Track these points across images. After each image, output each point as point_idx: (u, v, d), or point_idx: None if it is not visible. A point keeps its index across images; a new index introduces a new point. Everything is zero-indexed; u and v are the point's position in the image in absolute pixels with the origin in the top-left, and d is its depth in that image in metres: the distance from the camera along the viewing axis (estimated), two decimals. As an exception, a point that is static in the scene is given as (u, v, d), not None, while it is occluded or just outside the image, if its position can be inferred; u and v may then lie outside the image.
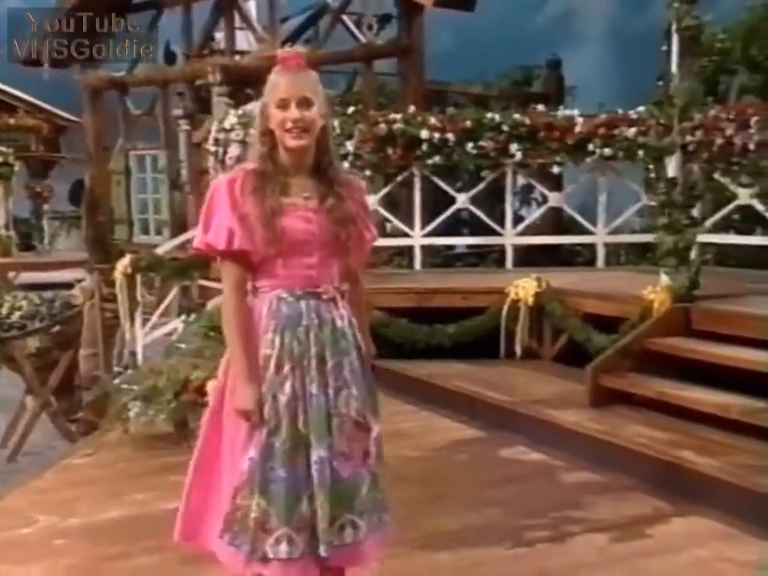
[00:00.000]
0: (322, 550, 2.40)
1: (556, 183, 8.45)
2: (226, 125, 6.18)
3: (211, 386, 4.75)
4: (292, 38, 10.70)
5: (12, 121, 19.76)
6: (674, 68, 5.34)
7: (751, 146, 6.67)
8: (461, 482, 4.35)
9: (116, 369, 7.65)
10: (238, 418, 2.47)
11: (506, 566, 3.42)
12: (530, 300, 6.21)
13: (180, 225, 12.19)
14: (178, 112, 11.90)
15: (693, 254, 5.59)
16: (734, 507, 3.80)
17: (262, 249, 2.42)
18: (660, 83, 5.50)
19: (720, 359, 4.74)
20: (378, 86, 9.47)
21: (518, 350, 6.30)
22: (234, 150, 6.11)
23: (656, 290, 5.36)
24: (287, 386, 2.45)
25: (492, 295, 6.41)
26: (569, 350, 6.12)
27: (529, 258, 8.02)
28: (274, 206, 2.42)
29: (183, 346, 5.78)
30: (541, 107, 7.89)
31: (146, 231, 13.06)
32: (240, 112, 6.30)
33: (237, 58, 11.56)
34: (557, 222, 9.19)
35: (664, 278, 5.42)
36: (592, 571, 3.39)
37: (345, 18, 10.05)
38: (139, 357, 7.60)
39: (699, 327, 5.20)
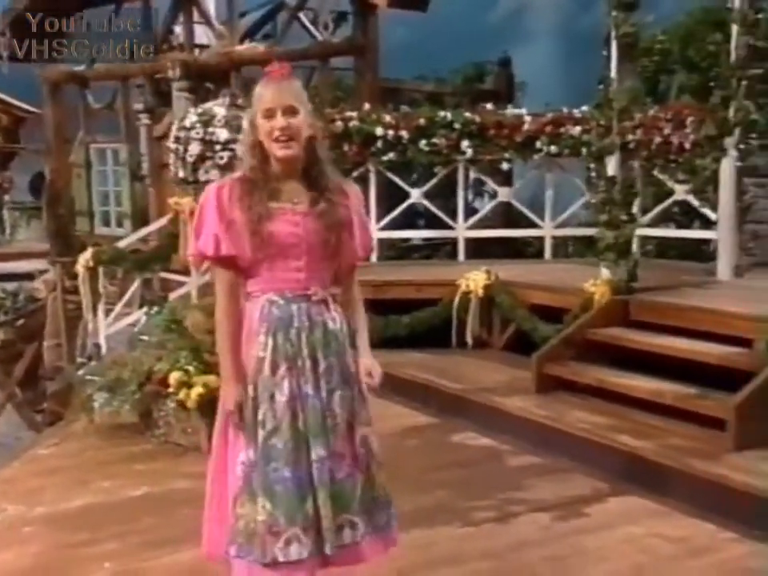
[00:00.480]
0: (328, 549, 2.37)
1: (506, 178, 8.57)
2: (187, 123, 6.19)
3: (174, 377, 4.86)
4: (250, 34, 10.67)
5: (-31, 112, 19.48)
6: (613, 72, 5.49)
7: (687, 145, 6.86)
8: (413, 466, 4.44)
9: (79, 360, 7.65)
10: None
11: (455, 545, 3.54)
12: (480, 292, 6.36)
13: (141, 217, 12.12)
14: (139, 106, 11.77)
15: (633, 248, 5.79)
16: (667, 487, 3.98)
17: (250, 253, 2.41)
18: (600, 86, 5.65)
19: (655, 348, 4.92)
20: (333, 82, 9.51)
21: (469, 339, 6.44)
22: (194, 148, 6.11)
23: (597, 282, 5.54)
24: (285, 386, 2.42)
25: (444, 287, 6.55)
26: (517, 339, 6.27)
27: (482, 249, 8.15)
28: (261, 211, 2.41)
29: (146, 337, 5.80)
30: (489, 106, 8.01)
31: (107, 223, 12.91)
32: (200, 110, 6.30)
33: (196, 52, 11.53)
34: (507, 215, 9.34)
35: (604, 272, 5.60)
36: (535, 548, 3.51)
37: (301, 15, 10.07)
38: (103, 348, 7.61)
39: (637, 318, 5.38)
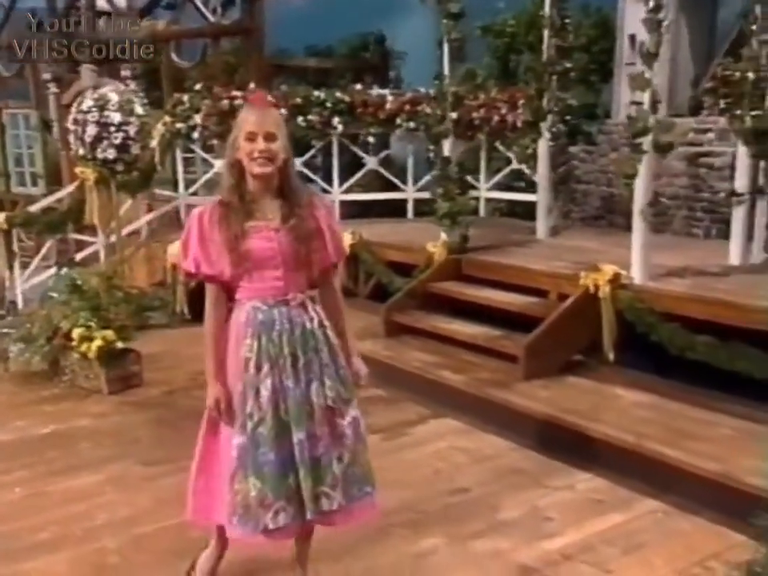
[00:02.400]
0: (308, 515, 2.55)
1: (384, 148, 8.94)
2: (84, 107, 6.36)
3: (76, 333, 5.21)
4: (148, 9, 10.69)
5: None
6: (446, 70, 5.97)
7: (519, 124, 7.46)
8: None
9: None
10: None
11: None
12: (347, 249, 6.86)
13: (54, 177, 12.12)
14: (47, 76, 11.69)
15: (481, 210, 6.30)
16: (471, 410, 4.61)
17: (229, 269, 2.52)
18: (436, 82, 6.12)
19: (476, 298, 5.56)
20: (224, 60, 9.72)
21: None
22: (91, 130, 6.31)
23: (437, 244, 6.11)
24: (268, 383, 2.53)
25: None
26: (378, 290, 6.81)
27: (370, 209, 8.52)
28: (237, 232, 2.49)
29: (56, 295, 6.06)
30: (359, 86, 8.39)
31: (22, 183, 12.86)
32: (96, 95, 6.48)
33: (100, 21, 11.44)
34: (385, 179, 9.73)
35: (443, 235, 6.17)
36: None
37: (195, -1, 10.18)
38: (19, 303, 7.80)
39: (468, 273, 5.98)
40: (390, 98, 8.10)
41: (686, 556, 3.09)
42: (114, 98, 6.47)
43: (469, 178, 8.28)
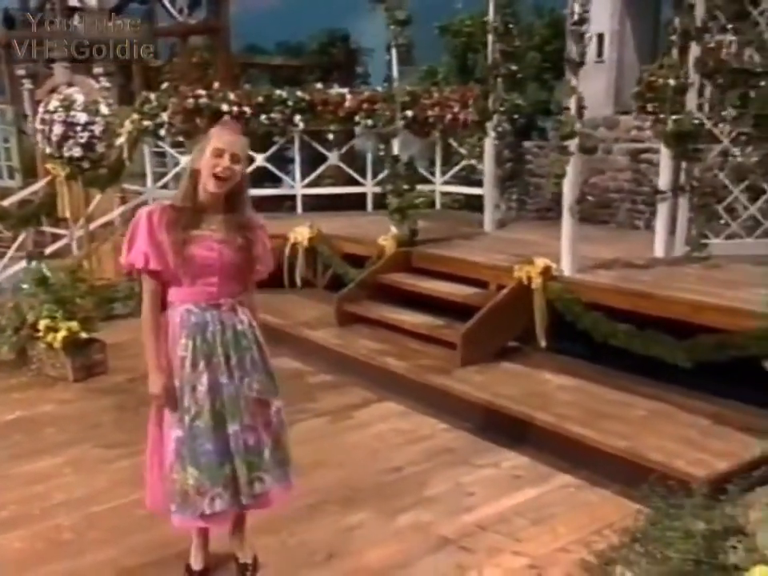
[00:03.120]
0: (244, 500, 2.72)
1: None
2: (51, 107, 6.46)
3: (42, 324, 5.33)
4: (118, 9, 10.68)
5: None
6: (395, 73, 6.12)
7: (469, 122, 7.62)
8: None
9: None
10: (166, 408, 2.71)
11: None
12: (306, 242, 7.01)
13: (30, 170, 12.09)
14: (21, 72, 11.68)
15: (437, 203, 6.44)
16: (411, 394, 4.79)
17: (173, 270, 2.65)
18: (385, 84, 6.27)
19: (422, 289, 5.74)
20: (191, 59, 9.77)
21: (298, 281, 7.09)
22: (57, 129, 6.41)
23: (387, 237, 6.28)
24: (204, 379, 2.67)
25: (277, 239, 7.08)
26: (335, 281, 6.95)
27: (334, 202, 8.57)
28: (184, 237, 2.61)
29: (25, 287, 6.15)
30: (319, 85, 8.50)
31: (-1, 176, 12.83)
32: (62, 96, 6.57)
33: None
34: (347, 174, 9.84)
35: (393, 229, 6.33)
36: (305, 444, 3.94)
37: (163, -1, 10.22)
38: (-6, 294, 7.86)
39: (417, 265, 6.14)
40: (348, 96, 8.22)
41: (589, 525, 3.30)
42: (79, 98, 6.58)
43: (424, 173, 8.53)
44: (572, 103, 4.81)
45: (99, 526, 3.39)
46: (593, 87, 7.66)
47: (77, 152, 6.52)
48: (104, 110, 6.64)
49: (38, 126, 6.64)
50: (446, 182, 8.60)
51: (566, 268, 5.05)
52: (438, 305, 5.67)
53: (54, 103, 6.51)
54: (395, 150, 6.24)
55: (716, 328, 4.17)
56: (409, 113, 8.08)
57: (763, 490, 3.16)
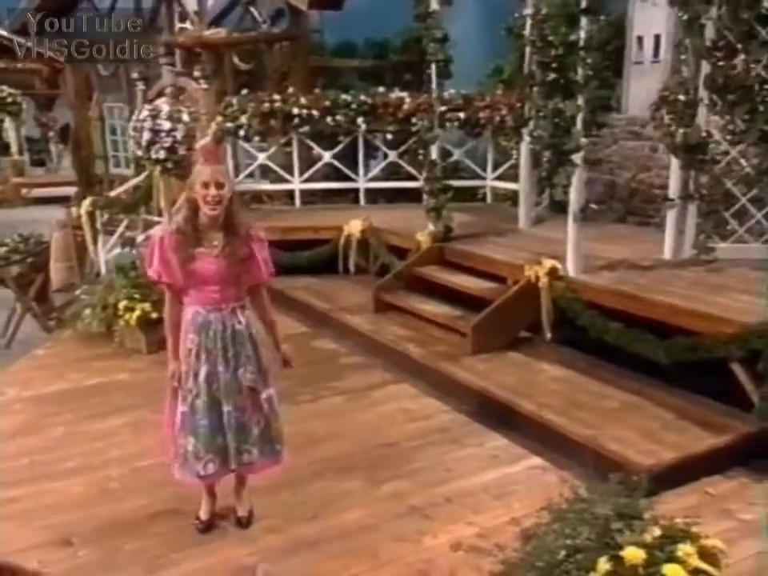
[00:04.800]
0: (232, 466, 3.23)
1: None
2: (141, 116, 7.08)
3: (121, 305, 5.92)
4: (215, 21, 11.28)
5: (19, 65, 19.95)
6: (434, 85, 6.33)
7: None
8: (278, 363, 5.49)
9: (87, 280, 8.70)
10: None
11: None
12: (359, 234, 7.35)
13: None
14: (135, 75, 12.48)
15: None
16: (425, 378, 5.09)
17: (181, 282, 3.09)
18: (425, 95, 6.48)
19: (447, 282, 5.99)
20: (278, 64, 10.26)
21: (352, 268, 7.46)
22: (146, 135, 7.02)
23: (424, 233, 6.55)
24: (204, 368, 3.13)
25: (333, 230, 7.49)
26: (384, 269, 7.27)
27: (399, 195, 8.88)
28: (187, 256, 3.03)
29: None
30: (381, 89, 8.76)
31: (118, 165, 13.79)
32: (150, 107, 7.17)
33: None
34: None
35: (430, 226, 6.59)
36: (322, 419, 4.55)
37: (252, 9, 10.68)
38: (103, 271, 8.61)
39: (450, 260, 6.37)
40: (407, 99, 8.46)
41: (541, 503, 3.51)
42: (164, 108, 7.16)
43: (477, 169, 8.71)
44: (578, 120, 4.94)
45: (140, 478, 3.92)
46: (647, 85, 7.64)
47: (162, 155, 7.12)
48: (185, 117, 7.20)
49: (131, 133, 7.27)
50: (497, 178, 8.74)
51: (571, 269, 5.21)
52: (464, 297, 5.91)
53: (144, 113, 7.12)
54: (433, 155, 6.47)
55: (691, 330, 4.27)
56: (462, 114, 8.30)
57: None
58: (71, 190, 14.33)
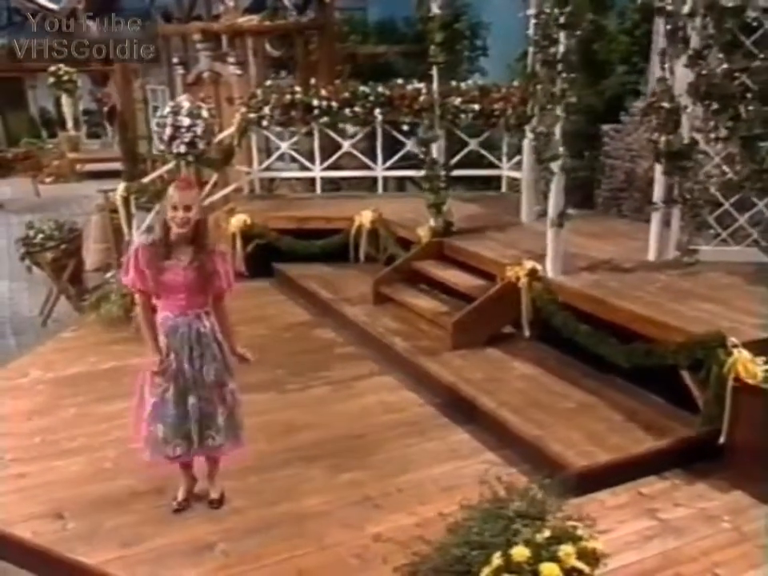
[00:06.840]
0: (194, 451, 3.74)
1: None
2: (164, 113, 7.53)
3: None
4: (251, 9, 11.67)
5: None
6: (434, 86, 6.54)
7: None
8: (276, 351, 5.74)
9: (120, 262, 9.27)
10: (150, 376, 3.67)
11: (266, 404, 4.94)
12: (368, 224, 7.66)
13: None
14: (175, 60, 12.99)
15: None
16: (406, 371, 5.40)
17: (153, 290, 3.53)
18: (426, 94, 6.68)
19: (438, 277, 6.27)
20: (306, 52, 10.57)
21: (362, 257, 7.77)
22: (168, 130, 7.47)
23: (424, 227, 6.82)
24: (174, 365, 3.61)
25: (345, 221, 7.78)
26: (393, 258, 7.58)
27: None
28: (158, 268, 3.48)
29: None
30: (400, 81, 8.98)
31: (161, 145, 14.45)
32: (172, 104, 7.59)
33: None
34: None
35: (431, 221, 6.85)
36: (303, 408, 4.90)
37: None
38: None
39: (448, 255, 6.62)
40: (424, 90, 8.65)
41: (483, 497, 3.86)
42: (185, 105, 7.58)
43: (492, 158, 8.88)
44: (557, 130, 5.13)
45: (132, 459, 4.30)
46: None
47: (182, 149, 7.56)
48: (204, 113, 7.61)
49: (154, 128, 7.73)
50: (512, 168, 8.90)
51: (550, 270, 5.43)
52: (459, 293, 6.17)
53: (166, 109, 7.56)
54: (434, 153, 6.71)
55: (647, 337, 4.49)
56: (476, 106, 8.48)
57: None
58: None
